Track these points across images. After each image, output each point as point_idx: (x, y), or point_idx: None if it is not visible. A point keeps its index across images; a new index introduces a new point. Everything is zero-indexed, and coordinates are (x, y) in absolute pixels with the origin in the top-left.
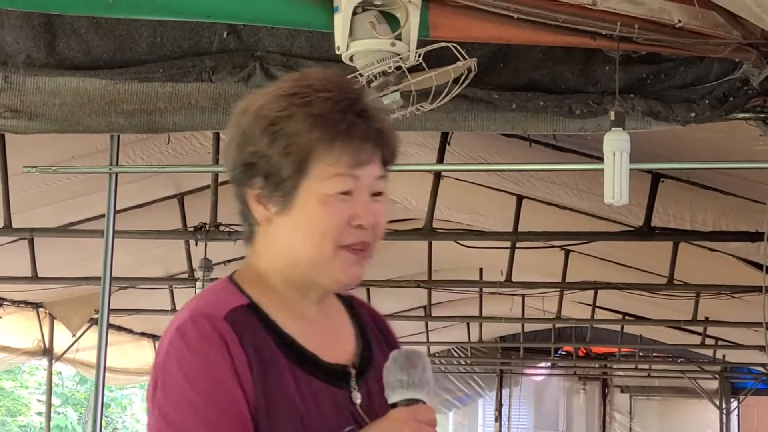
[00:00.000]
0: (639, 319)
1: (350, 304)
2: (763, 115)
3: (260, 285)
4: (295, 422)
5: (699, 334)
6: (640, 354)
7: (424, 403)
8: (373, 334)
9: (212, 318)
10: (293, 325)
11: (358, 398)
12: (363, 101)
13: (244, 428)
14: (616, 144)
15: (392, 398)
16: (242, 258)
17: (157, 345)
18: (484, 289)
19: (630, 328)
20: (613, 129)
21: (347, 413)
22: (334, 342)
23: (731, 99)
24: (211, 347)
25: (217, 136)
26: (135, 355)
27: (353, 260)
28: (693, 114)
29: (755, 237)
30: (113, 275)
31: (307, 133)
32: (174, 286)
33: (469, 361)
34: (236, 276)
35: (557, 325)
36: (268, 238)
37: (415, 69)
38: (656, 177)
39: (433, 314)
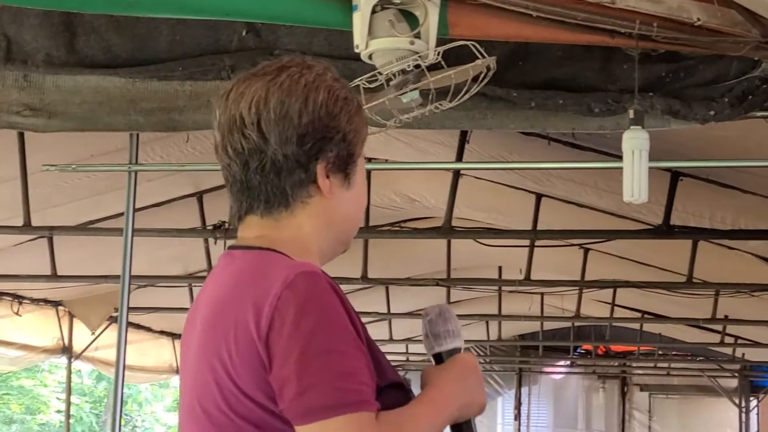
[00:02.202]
0: (658, 318)
1: None
2: None
3: (304, 254)
4: (388, 368)
5: (718, 332)
6: (660, 352)
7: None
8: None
9: (320, 274)
10: None
11: None
12: None
13: (372, 373)
14: (635, 142)
15: (443, 347)
16: None
17: (176, 343)
18: (503, 288)
19: (649, 327)
20: (632, 127)
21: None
22: None
23: (750, 97)
24: (336, 300)
25: None
26: (154, 354)
27: None
28: (712, 112)
29: None
30: (132, 273)
31: (360, 114)
32: (193, 285)
33: (488, 360)
34: (279, 248)
35: (576, 324)
36: (322, 210)
37: (434, 67)
38: (675, 175)
39: None
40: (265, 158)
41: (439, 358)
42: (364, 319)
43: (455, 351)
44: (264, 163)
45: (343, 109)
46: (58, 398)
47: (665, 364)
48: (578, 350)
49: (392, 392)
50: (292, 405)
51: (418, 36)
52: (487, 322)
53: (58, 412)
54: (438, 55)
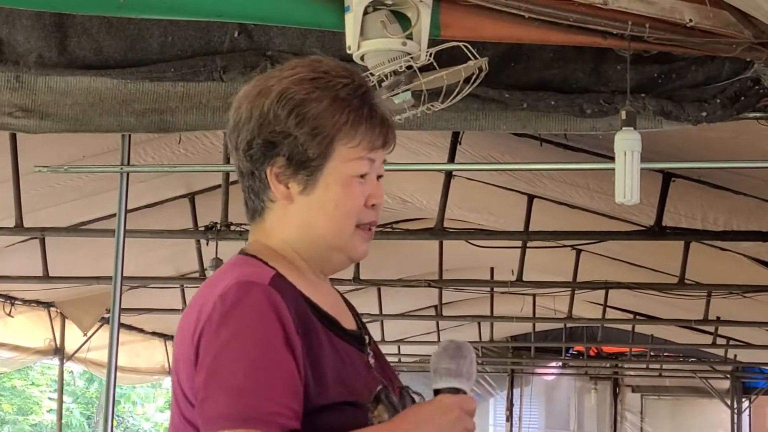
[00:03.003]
0: (650, 319)
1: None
2: None
3: (277, 258)
4: (340, 384)
5: (710, 333)
6: (652, 353)
7: (466, 393)
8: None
9: (260, 286)
10: (313, 295)
11: (372, 361)
12: (371, 88)
13: (297, 394)
14: (627, 143)
15: (438, 384)
16: None
17: (168, 345)
18: (495, 289)
19: (641, 328)
20: (624, 128)
21: (373, 373)
22: (344, 312)
23: (743, 98)
24: (263, 313)
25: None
26: (146, 355)
27: (365, 238)
28: (704, 113)
29: (766, 236)
30: (124, 275)
31: (333, 116)
32: (185, 286)
33: (480, 361)
34: (250, 251)
35: (568, 325)
36: (285, 216)
37: (426, 68)
38: (667, 176)
39: (444, 314)
40: (238, 166)
41: (437, 395)
42: None
43: (451, 391)
44: (239, 170)
45: (293, 111)
46: (50, 398)
47: (657, 366)
48: (570, 351)
49: (337, 412)
50: (198, 411)
51: (410, 37)
52: (479, 323)
53: (50, 411)
54: (430, 56)
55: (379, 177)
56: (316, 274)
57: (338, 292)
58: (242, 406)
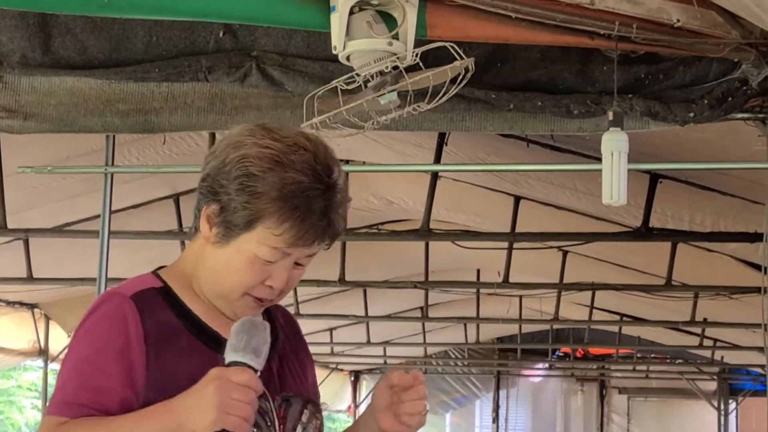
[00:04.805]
0: (637, 320)
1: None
2: (761, 115)
3: (181, 279)
4: (182, 381)
5: (697, 335)
6: (638, 355)
7: (248, 367)
8: (282, 329)
9: (120, 296)
10: (204, 311)
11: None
12: (329, 188)
13: (106, 391)
14: (614, 144)
15: (225, 360)
16: None
17: None
18: (482, 290)
19: (628, 329)
20: (611, 129)
21: None
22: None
23: (730, 99)
24: (107, 321)
25: (213, 137)
26: None
27: (253, 306)
28: (692, 114)
29: (754, 238)
30: (109, 276)
31: (268, 202)
32: None
33: (466, 362)
34: (161, 270)
35: (555, 326)
36: (202, 250)
37: (412, 69)
38: (654, 177)
39: (430, 315)
40: None
41: None
42: (341, 322)
43: (233, 364)
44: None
45: (240, 178)
46: (33, 402)
47: (644, 367)
48: (557, 353)
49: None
50: None
51: (396, 37)
52: (465, 325)
53: (34, 408)
54: (416, 56)
55: (299, 265)
56: (217, 302)
57: (268, 311)
58: (63, 395)
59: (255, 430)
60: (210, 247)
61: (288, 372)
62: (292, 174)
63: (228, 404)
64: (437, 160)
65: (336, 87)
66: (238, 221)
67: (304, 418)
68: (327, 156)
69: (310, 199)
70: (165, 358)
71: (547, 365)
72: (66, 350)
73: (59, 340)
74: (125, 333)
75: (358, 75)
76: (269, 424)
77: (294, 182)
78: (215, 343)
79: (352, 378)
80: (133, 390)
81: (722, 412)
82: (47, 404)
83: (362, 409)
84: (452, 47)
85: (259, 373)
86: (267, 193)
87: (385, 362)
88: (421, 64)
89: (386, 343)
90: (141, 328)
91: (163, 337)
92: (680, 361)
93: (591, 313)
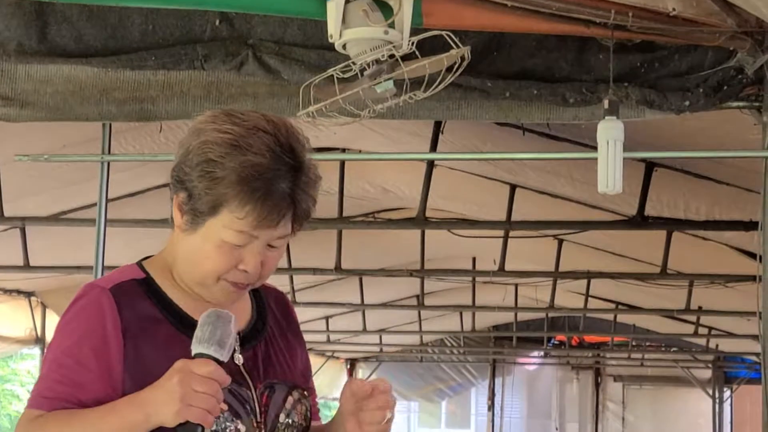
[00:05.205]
0: (632, 309)
1: (255, 288)
2: (757, 104)
3: (164, 269)
4: (158, 371)
5: (692, 323)
6: (633, 343)
7: (213, 358)
8: (272, 313)
9: (98, 288)
10: (184, 300)
11: (240, 359)
12: (293, 168)
13: (82, 384)
14: (609, 132)
15: (192, 352)
16: None
17: None
18: (477, 278)
19: (623, 318)
20: (606, 117)
21: (227, 371)
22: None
23: (725, 88)
24: (84, 314)
25: None
26: None
27: (233, 291)
28: (687, 102)
29: (749, 226)
30: (105, 264)
31: (228, 186)
32: None
33: (461, 351)
34: (145, 260)
35: (550, 315)
36: (177, 240)
37: (408, 57)
38: (650, 166)
39: (425, 303)
40: None
41: None
42: (337, 310)
43: (198, 356)
44: None
45: (200, 165)
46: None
47: (639, 355)
48: (552, 341)
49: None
50: None
51: (392, 26)
52: (460, 313)
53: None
54: (412, 45)
55: (272, 247)
56: (199, 291)
57: (258, 296)
58: (40, 389)
59: (234, 419)
60: (182, 235)
61: (274, 357)
62: (251, 157)
63: (191, 396)
64: (433, 148)
65: (332, 75)
66: (203, 207)
67: (288, 405)
68: (289, 137)
69: (271, 180)
70: (144, 350)
71: (542, 353)
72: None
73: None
74: (102, 326)
75: (354, 63)
76: (250, 411)
77: (252, 165)
78: (191, 331)
79: (348, 366)
80: (110, 382)
81: (717, 400)
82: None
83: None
84: (448, 36)
85: (225, 363)
86: (227, 178)
87: (381, 350)
88: (417, 52)
89: (382, 331)
90: (119, 320)
91: (142, 329)
92: (675, 349)
93: (586, 301)
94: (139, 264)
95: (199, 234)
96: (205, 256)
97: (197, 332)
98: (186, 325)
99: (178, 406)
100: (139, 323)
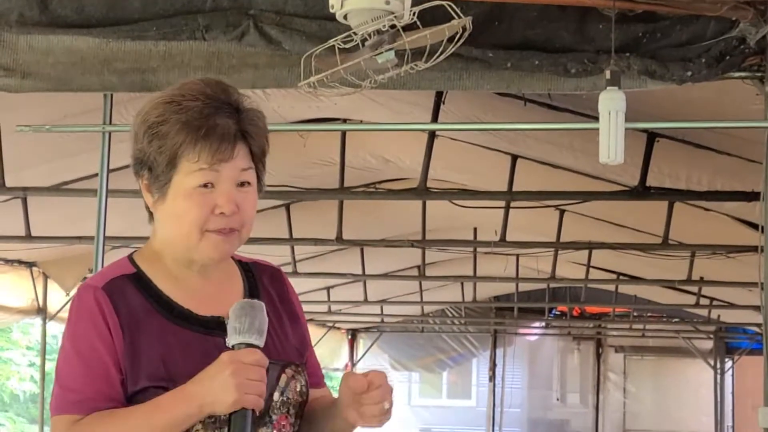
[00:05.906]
0: (633, 279)
1: (248, 268)
2: (759, 74)
3: (152, 259)
4: (155, 364)
5: (693, 294)
6: (635, 314)
7: (255, 346)
8: (265, 291)
9: (93, 288)
10: (174, 290)
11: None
12: (231, 106)
13: (109, 380)
14: (611, 103)
15: (230, 342)
16: None
17: None
18: (479, 249)
19: (624, 288)
20: (608, 88)
21: (218, 355)
22: (215, 300)
23: (728, 58)
24: (87, 314)
25: None
26: None
27: (220, 240)
28: (689, 73)
29: (751, 197)
30: (106, 234)
31: (175, 135)
32: None
33: (463, 321)
34: (135, 253)
35: (551, 285)
36: (157, 220)
37: (409, 27)
38: (651, 136)
39: (427, 274)
40: None
41: None
42: (338, 281)
43: (240, 346)
44: None
45: (146, 132)
46: (30, 362)
47: (640, 326)
48: (553, 312)
49: (147, 395)
50: None
51: None
52: (462, 284)
53: (31, 365)
54: (413, 15)
55: (244, 184)
56: (188, 270)
57: (250, 277)
58: (57, 398)
59: None
60: (158, 210)
61: (266, 337)
62: (186, 103)
63: (245, 384)
64: (434, 119)
65: (333, 46)
66: (162, 168)
67: (281, 383)
68: (220, 84)
69: (210, 116)
70: (140, 342)
71: (543, 324)
72: (58, 352)
73: (57, 298)
74: (105, 323)
75: (355, 34)
76: None
77: (189, 109)
78: (186, 321)
79: (350, 336)
80: (123, 376)
81: (718, 371)
82: (49, 406)
83: (359, 367)
84: (450, 6)
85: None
86: (171, 129)
87: (382, 321)
88: (418, 22)
89: (383, 301)
90: (116, 316)
91: (137, 323)
92: (677, 319)
93: (588, 271)
94: (130, 258)
95: (169, 197)
96: (180, 212)
97: (234, 324)
98: (176, 315)
99: (236, 395)
100: (133, 317)
